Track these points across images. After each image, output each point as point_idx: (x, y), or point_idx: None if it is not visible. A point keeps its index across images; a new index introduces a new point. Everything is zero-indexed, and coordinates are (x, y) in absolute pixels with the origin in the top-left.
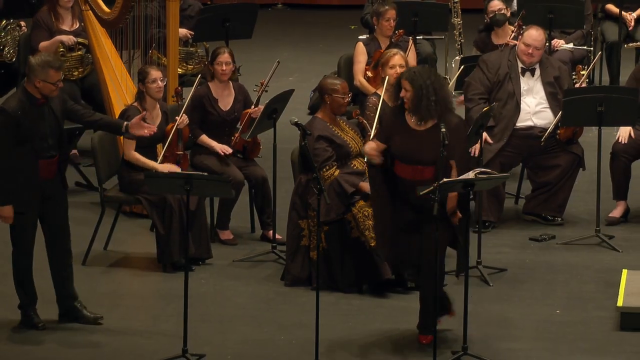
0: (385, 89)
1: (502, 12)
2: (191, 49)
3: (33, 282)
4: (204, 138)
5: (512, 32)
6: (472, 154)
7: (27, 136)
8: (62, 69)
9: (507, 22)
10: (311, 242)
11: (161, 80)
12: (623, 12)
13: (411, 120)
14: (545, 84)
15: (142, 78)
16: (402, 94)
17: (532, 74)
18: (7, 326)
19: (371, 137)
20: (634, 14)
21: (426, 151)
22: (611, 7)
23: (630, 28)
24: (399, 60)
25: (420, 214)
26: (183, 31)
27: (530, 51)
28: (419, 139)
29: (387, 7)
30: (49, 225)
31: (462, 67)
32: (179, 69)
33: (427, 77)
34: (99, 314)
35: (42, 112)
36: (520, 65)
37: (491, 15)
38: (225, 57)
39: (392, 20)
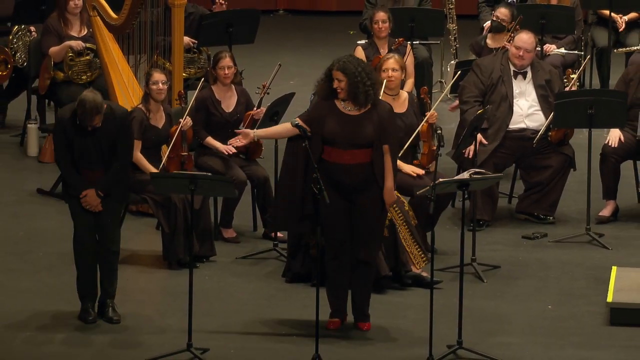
0: (383, 92)
1: (504, 22)
2: (194, 55)
3: (85, 274)
4: (209, 140)
5: (509, 37)
6: (465, 155)
7: (70, 144)
8: (95, 114)
9: (505, 31)
10: (311, 240)
11: (163, 84)
12: (615, 15)
13: (341, 106)
14: (537, 87)
15: (146, 80)
16: (336, 84)
17: (524, 77)
18: (17, 324)
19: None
20: (625, 18)
21: (361, 135)
22: (605, 11)
23: (620, 29)
24: (392, 64)
25: (350, 198)
26: (185, 39)
27: (521, 53)
28: (353, 123)
29: (375, 10)
30: (97, 221)
31: (459, 72)
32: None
33: (357, 64)
34: (117, 316)
35: (86, 131)
36: (512, 68)
37: (493, 18)
38: (226, 61)
39: (380, 22)
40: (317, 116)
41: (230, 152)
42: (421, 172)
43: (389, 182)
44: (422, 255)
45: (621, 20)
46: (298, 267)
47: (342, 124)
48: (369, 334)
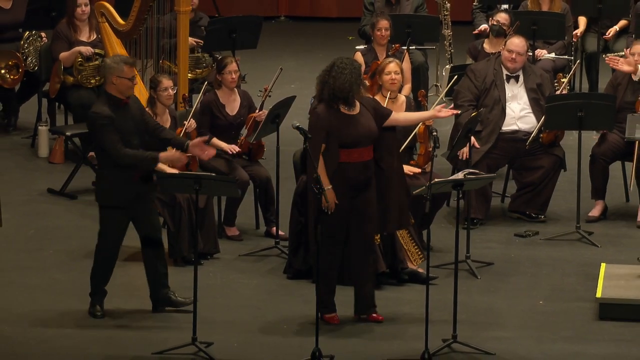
0: (388, 97)
1: (505, 26)
2: (197, 54)
3: (104, 278)
4: (214, 140)
5: (505, 42)
6: (460, 157)
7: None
8: (134, 66)
9: (503, 36)
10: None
11: (172, 89)
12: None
13: (344, 109)
14: (529, 91)
15: (153, 86)
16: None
17: (517, 81)
18: (28, 320)
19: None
20: (616, 27)
21: (368, 132)
22: (583, 18)
23: (609, 39)
24: (394, 68)
25: (357, 196)
26: (190, 40)
27: (513, 56)
28: (359, 122)
29: (379, 18)
30: (140, 224)
31: (455, 76)
32: (190, 75)
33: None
34: (187, 298)
35: (125, 112)
36: (505, 73)
37: (493, 23)
38: (233, 66)
39: (383, 30)
40: (328, 125)
41: (235, 151)
42: (418, 170)
43: (428, 114)
44: (419, 253)
45: (612, 30)
46: (299, 264)
47: (350, 125)
48: (367, 328)
